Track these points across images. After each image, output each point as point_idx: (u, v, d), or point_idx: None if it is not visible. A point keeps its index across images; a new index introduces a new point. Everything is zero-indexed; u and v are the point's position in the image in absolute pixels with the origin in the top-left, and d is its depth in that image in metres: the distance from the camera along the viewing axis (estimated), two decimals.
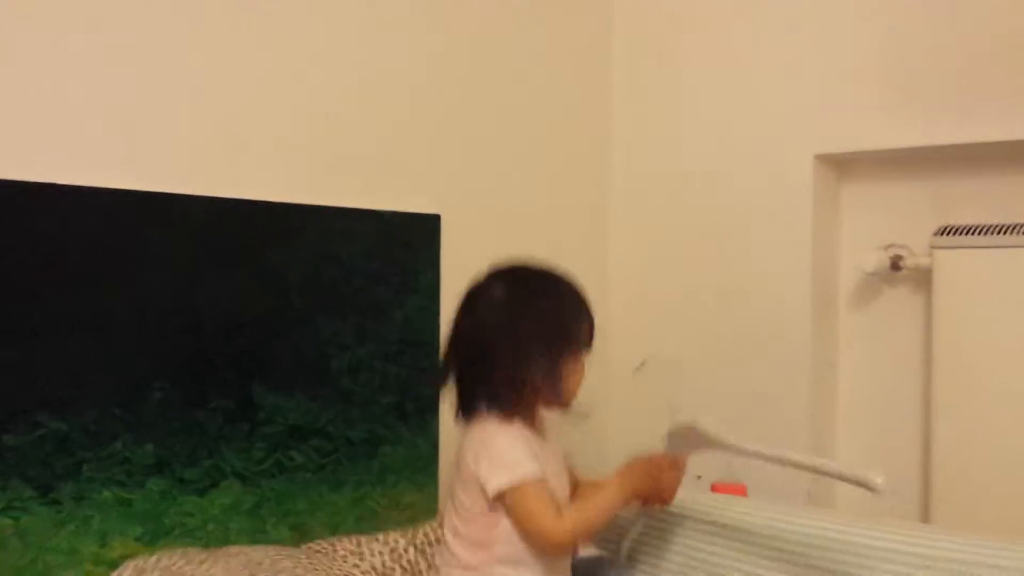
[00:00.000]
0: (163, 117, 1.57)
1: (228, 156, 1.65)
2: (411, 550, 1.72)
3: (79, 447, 1.46)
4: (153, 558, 1.45)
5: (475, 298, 1.57)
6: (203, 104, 1.62)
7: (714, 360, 2.16)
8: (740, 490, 1.91)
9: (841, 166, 2.17)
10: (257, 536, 1.64)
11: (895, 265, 2.05)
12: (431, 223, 1.92)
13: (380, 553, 1.68)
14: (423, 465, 1.90)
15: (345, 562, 1.61)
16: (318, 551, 1.64)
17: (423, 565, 1.71)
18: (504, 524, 1.48)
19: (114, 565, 1.48)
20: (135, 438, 1.51)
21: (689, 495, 1.76)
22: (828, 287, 2.16)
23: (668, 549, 1.74)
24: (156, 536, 1.54)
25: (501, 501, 1.47)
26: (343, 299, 1.78)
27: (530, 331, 1.51)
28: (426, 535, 1.74)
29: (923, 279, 2.04)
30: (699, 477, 2.00)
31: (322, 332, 1.74)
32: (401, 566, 1.69)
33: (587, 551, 1.72)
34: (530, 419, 1.54)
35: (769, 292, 2.13)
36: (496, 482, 1.46)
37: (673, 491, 1.61)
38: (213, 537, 1.60)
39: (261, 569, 1.41)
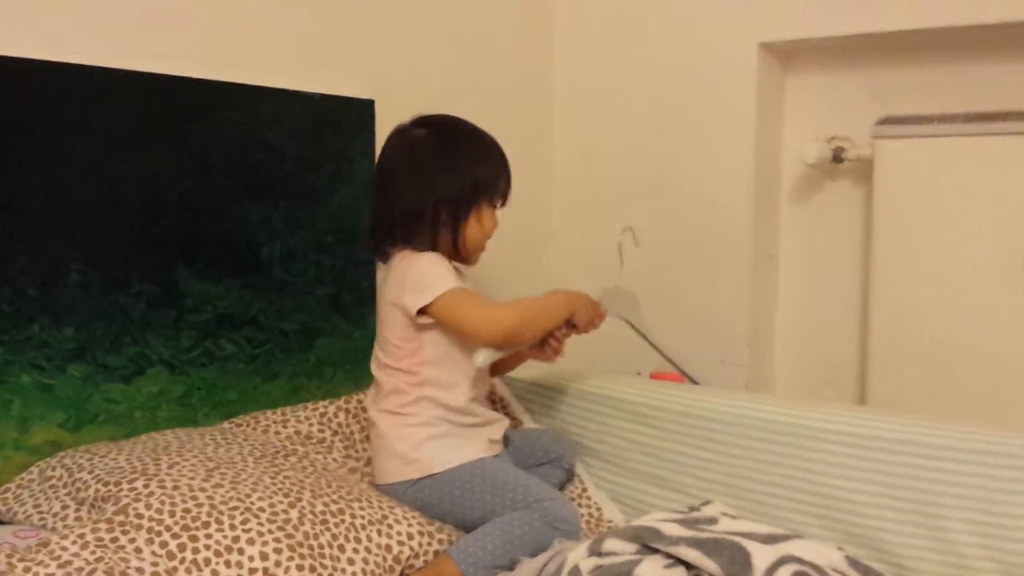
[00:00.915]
0: None
1: (147, 27, 1.56)
2: (341, 415, 1.70)
3: None
4: (55, 458, 1.41)
5: (394, 137, 1.62)
6: None
7: (655, 251, 2.14)
8: (677, 379, 1.91)
9: (785, 56, 2.13)
10: (187, 425, 1.60)
11: (837, 157, 2.04)
12: (365, 109, 1.85)
13: (307, 419, 1.66)
14: (360, 359, 1.85)
15: (266, 432, 1.58)
16: (239, 424, 1.61)
17: (355, 427, 1.69)
18: (428, 349, 1.54)
19: (36, 451, 1.43)
20: (53, 321, 1.45)
21: (627, 381, 1.75)
22: (770, 179, 2.14)
23: (607, 433, 1.74)
24: (80, 423, 1.49)
25: (428, 316, 1.51)
26: (272, 184, 1.71)
27: (440, 169, 1.56)
28: (358, 401, 1.72)
29: (864, 171, 2.03)
30: (638, 373, 2.00)
31: (250, 218, 1.68)
32: (331, 429, 1.67)
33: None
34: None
35: (711, 183, 2.11)
36: (417, 300, 1.50)
37: (592, 324, 1.67)
38: (140, 425, 1.55)
39: (167, 451, 1.37)
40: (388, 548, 1.36)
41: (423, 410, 1.53)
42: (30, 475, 1.40)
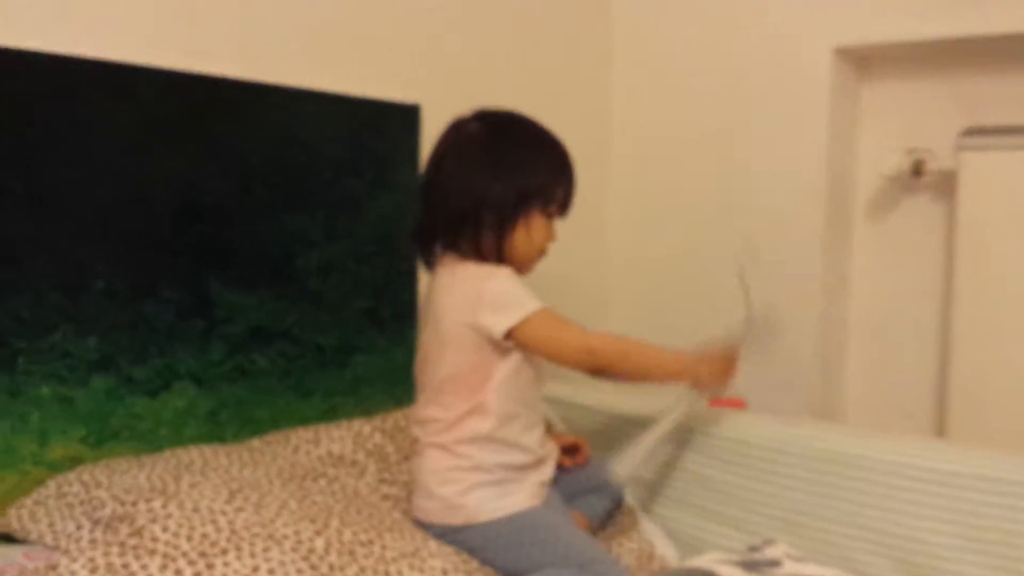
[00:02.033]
0: None
1: (185, 26, 1.49)
2: (377, 435, 1.59)
3: (13, 336, 1.32)
4: (73, 473, 1.33)
5: (448, 130, 1.49)
6: None
7: (718, 273, 2.01)
8: (739, 404, 1.78)
9: (862, 62, 2.00)
10: (215, 443, 1.52)
11: (917, 170, 1.90)
12: (410, 114, 1.76)
13: (341, 439, 1.55)
14: (400, 376, 1.76)
15: (296, 452, 1.49)
16: (269, 442, 1.51)
17: (391, 448, 1.58)
18: (498, 375, 1.40)
19: (55, 467, 1.36)
20: (76, 330, 1.38)
21: (684, 406, 1.63)
22: (843, 194, 2.01)
23: (665, 463, 1.62)
24: (102, 438, 1.41)
25: (511, 341, 1.39)
26: (310, 191, 1.63)
27: (486, 168, 1.42)
28: (395, 421, 1.62)
29: (947, 185, 1.89)
30: None
31: (286, 226, 1.60)
32: (366, 450, 1.56)
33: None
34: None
35: (779, 199, 1.98)
36: (500, 320, 1.37)
37: (727, 383, 1.50)
38: (165, 442, 1.47)
39: (190, 470, 1.28)
40: None
41: (478, 452, 1.39)
42: (47, 490, 1.32)
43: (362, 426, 1.60)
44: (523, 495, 1.41)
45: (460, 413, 1.40)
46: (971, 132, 1.84)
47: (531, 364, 1.43)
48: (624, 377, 1.45)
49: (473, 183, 1.41)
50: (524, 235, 1.44)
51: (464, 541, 1.37)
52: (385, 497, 1.49)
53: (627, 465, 1.48)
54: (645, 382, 1.48)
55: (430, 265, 1.49)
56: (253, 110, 1.55)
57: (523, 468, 1.43)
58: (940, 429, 1.90)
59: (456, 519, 1.38)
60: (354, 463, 1.53)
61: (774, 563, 1.12)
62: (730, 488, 1.53)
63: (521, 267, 1.47)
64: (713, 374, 1.47)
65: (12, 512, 1.30)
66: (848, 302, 2.05)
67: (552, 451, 1.52)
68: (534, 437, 1.46)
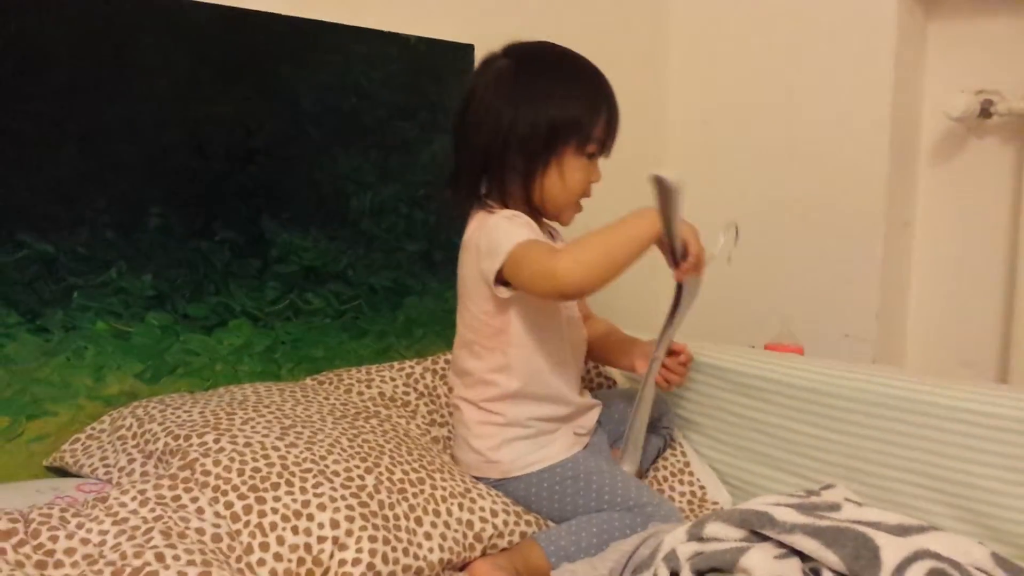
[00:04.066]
0: None
1: None
2: (428, 375, 1.59)
3: (68, 272, 1.33)
4: (128, 408, 1.34)
5: (477, 70, 1.39)
6: None
7: (780, 217, 1.97)
8: (796, 351, 1.75)
9: (929, 0, 1.92)
10: (269, 381, 1.53)
11: (985, 111, 1.83)
12: (464, 53, 1.74)
13: (392, 380, 1.55)
14: (452, 319, 1.74)
15: (349, 392, 1.49)
16: (322, 381, 1.52)
17: (442, 390, 1.58)
18: (515, 324, 1.32)
19: (110, 401, 1.38)
20: (131, 267, 1.39)
21: (739, 351, 1.60)
22: (908, 137, 1.94)
23: (715, 407, 1.59)
24: (158, 374, 1.43)
25: (502, 280, 1.28)
26: (363, 132, 1.61)
27: (512, 104, 1.29)
28: (447, 361, 1.61)
29: (1017, 127, 1.82)
30: (752, 346, 1.83)
31: (340, 167, 1.59)
32: (417, 391, 1.55)
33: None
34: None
35: (842, 143, 1.93)
36: (490, 265, 1.27)
37: (700, 256, 1.26)
38: (221, 379, 1.48)
39: (243, 406, 1.28)
40: (470, 524, 1.25)
41: (509, 408, 1.35)
42: (101, 424, 1.34)
43: (414, 367, 1.60)
44: (558, 446, 1.37)
45: (489, 368, 1.35)
46: None
47: (548, 306, 1.35)
48: (611, 275, 1.21)
49: (499, 120, 1.30)
50: (557, 178, 1.32)
51: (505, 492, 1.35)
52: (435, 440, 1.49)
53: (632, 459, 1.44)
54: (631, 262, 1.22)
55: (462, 216, 1.39)
56: (307, 49, 1.54)
57: (558, 420, 1.39)
58: (1003, 377, 1.85)
59: (493, 473, 1.36)
60: (405, 404, 1.53)
61: (834, 507, 1.09)
62: (787, 433, 1.50)
63: (559, 215, 1.37)
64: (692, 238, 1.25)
65: (66, 447, 1.32)
66: (911, 249, 1.99)
67: (595, 404, 1.47)
68: (566, 387, 1.40)
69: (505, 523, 1.28)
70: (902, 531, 1.00)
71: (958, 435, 1.33)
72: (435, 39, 1.69)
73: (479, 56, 1.73)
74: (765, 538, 1.05)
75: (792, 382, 1.50)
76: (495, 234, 1.28)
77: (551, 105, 1.30)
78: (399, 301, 1.69)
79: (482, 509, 1.27)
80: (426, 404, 1.54)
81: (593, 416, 1.46)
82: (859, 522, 1.03)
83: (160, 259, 1.41)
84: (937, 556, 0.96)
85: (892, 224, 1.92)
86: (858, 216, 1.91)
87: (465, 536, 1.23)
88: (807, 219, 1.96)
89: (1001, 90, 1.83)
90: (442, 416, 1.54)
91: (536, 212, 1.35)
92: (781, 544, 1.04)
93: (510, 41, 1.37)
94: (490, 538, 1.26)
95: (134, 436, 1.26)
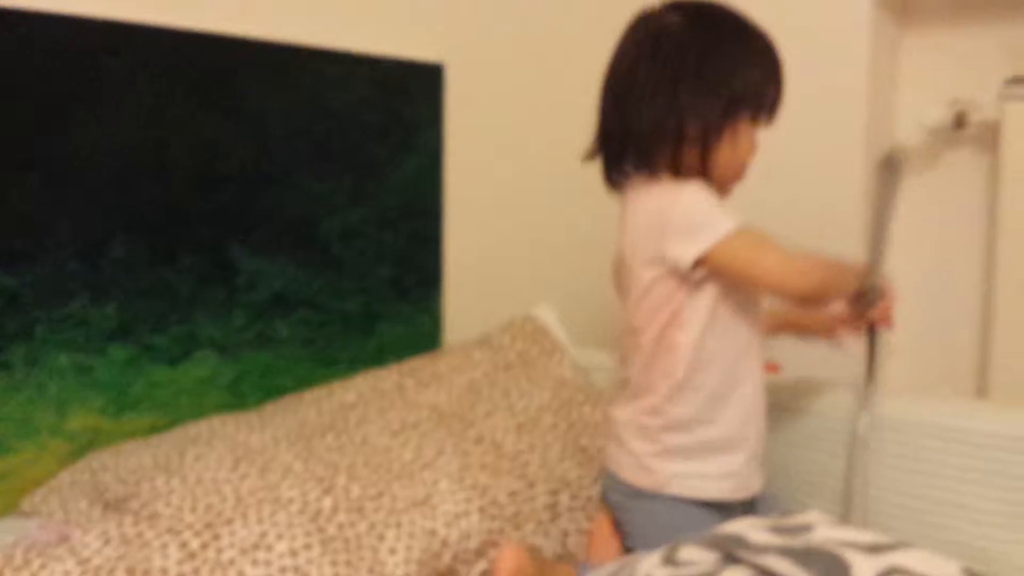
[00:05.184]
0: None
1: None
2: (394, 376, 1.56)
3: (30, 305, 1.30)
4: (84, 461, 1.31)
5: (637, 25, 1.29)
6: None
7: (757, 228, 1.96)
8: (773, 368, 1.72)
9: (903, 10, 1.92)
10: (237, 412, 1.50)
11: (959, 121, 1.82)
12: (434, 74, 1.72)
13: (355, 387, 1.52)
14: (425, 344, 1.74)
15: (309, 408, 1.45)
16: (282, 404, 1.49)
17: (409, 384, 1.53)
18: (697, 313, 1.22)
19: (74, 437, 1.34)
20: (94, 298, 1.36)
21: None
22: (883, 147, 1.93)
23: None
24: (121, 408, 1.39)
25: (703, 268, 1.20)
26: (333, 155, 1.59)
27: (692, 70, 1.22)
28: (412, 366, 1.58)
29: (990, 136, 1.81)
30: None
31: (310, 191, 1.57)
32: (378, 391, 1.51)
33: None
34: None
35: (819, 153, 1.91)
36: (689, 248, 1.18)
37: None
38: (186, 412, 1.45)
39: (196, 443, 1.26)
40: (433, 532, 1.22)
41: (679, 436, 1.26)
42: (58, 481, 1.30)
43: (378, 373, 1.57)
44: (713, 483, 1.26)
45: (658, 371, 1.25)
46: (1016, 81, 1.76)
47: (744, 297, 1.26)
48: (827, 301, 1.29)
49: (677, 91, 1.22)
50: (730, 148, 1.25)
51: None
52: (395, 434, 1.41)
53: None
54: (834, 301, 1.31)
55: (616, 185, 1.30)
56: (275, 72, 1.52)
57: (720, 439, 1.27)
58: (981, 389, 1.83)
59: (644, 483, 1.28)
60: (367, 404, 1.49)
61: (807, 527, 1.07)
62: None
63: (723, 186, 1.28)
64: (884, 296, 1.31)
65: (26, 500, 1.28)
66: (888, 260, 1.97)
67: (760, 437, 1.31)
68: (752, 393, 1.28)
69: (469, 524, 1.26)
70: (874, 549, 0.98)
71: (933, 451, 1.33)
72: (405, 60, 1.68)
73: (450, 76, 1.73)
74: (739, 560, 1.04)
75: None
76: (697, 214, 1.20)
77: (733, 76, 1.23)
78: (370, 327, 1.67)
79: (445, 514, 1.25)
80: (390, 400, 1.51)
81: (758, 448, 1.31)
82: (832, 541, 1.01)
83: (123, 289, 1.39)
84: (908, 572, 0.94)
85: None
86: (834, 228, 1.89)
87: (432, 544, 1.21)
88: (783, 231, 1.93)
89: (975, 100, 1.82)
90: (406, 409, 1.50)
91: (709, 182, 1.26)
92: (755, 566, 1.02)
93: None
94: (458, 541, 1.24)
95: (93, 487, 1.24)
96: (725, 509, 1.26)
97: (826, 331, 1.41)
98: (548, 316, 1.75)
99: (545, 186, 1.95)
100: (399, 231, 1.69)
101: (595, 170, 1.41)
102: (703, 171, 1.24)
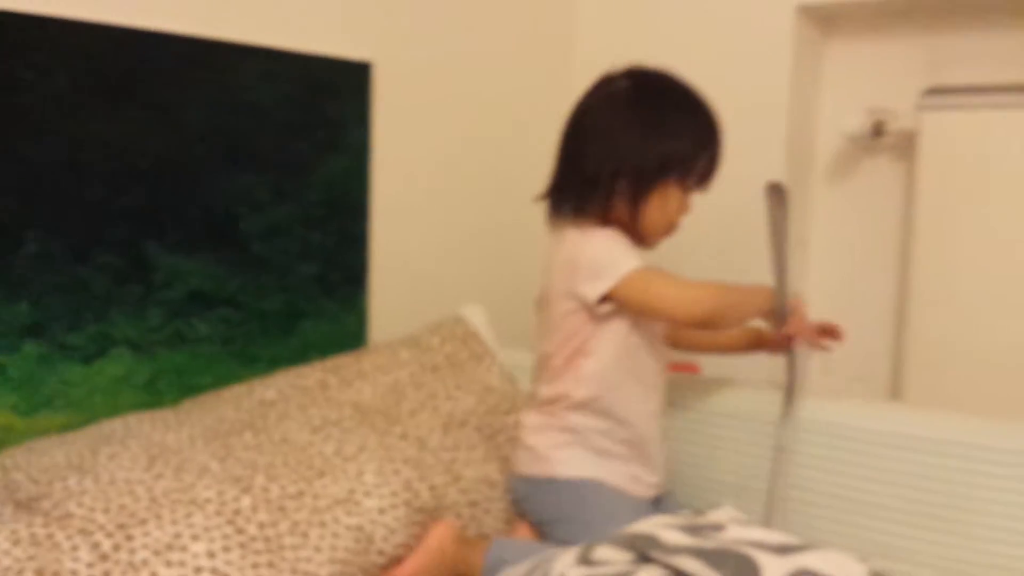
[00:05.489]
0: None
1: None
2: (317, 373, 1.53)
3: None
4: None
5: (596, 85, 1.43)
6: None
7: (680, 235, 1.97)
8: (693, 369, 1.75)
9: (826, 20, 1.95)
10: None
11: (877, 130, 1.86)
12: (361, 72, 1.71)
13: (275, 384, 1.49)
14: (351, 343, 1.72)
15: (228, 405, 1.43)
16: (200, 401, 1.46)
17: (333, 381, 1.53)
18: (603, 344, 1.36)
19: None
20: (6, 294, 1.32)
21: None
22: (804, 155, 1.97)
23: None
24: (33, 407, 1.36)
25: (609, 304, 1.34)
26: (255, 153, 1.57)
27: (629, 131, 1.35)
28: (337, 363, 1.56)
29: (907, 145, 1.85)
30: None
31: (229, 187, 1.55)
32: (301, 388, 1.50)
33: None
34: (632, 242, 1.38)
35: (739, 159, 1.92)
36: (596, 287, 1.32)
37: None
38: (101, 411, 1.42)
39: (110, 441, 1.23)
40: (359, 528, 1.22)
41: (575, 416, 1.39)
42: None
43: (301, 370, 1.55)
44: (612, 473, 1.39)
45: (563, 386, 1.39)
46: (933, 92, 1.80)
47: (641, 334, 1.39)
48: (726, 325, 1.42)
49: (613, 145, 1.35)
50: (658, 206, 1.38)
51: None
52: (316, 430, 1.40)
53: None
54: (740, 324, 1.47)
55: (554, 225, 1.43)
56: (195, 68, 1.49)
57: (620, 442, 1.40)
58: (895, 393, 1.87)
59: (541, 470, 1.40)
60: (287, 400, 1.47)
61: (718, 527, 1.09)
62: (676, 454, 1.50)
63: (648, 239, 1.41)
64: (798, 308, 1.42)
65: None
66: (806, 266, 2.01)
67: (663, 480, 1.46)
68: (634, 411, 1.40)
69: (396, 519, 1.26)
70: (784, 550, 1.00)
71: (847, 452, 1.35)
72: (332, 57, 1.66)
73: (378, 74, 1.71)
74: (652, 560, 1.05)
75: (684, 404, 1.50)
76: (603, 257, 1.33)
77: (667, 139, 1.36)
78: (293, 326, 1.65)
79: (369, 510, 1.25)
80: (312, 397, 1.49)
81: (659, 484, 1.45)
82: (742, 542, 1.03)
83: (37, 286, 1.35)
84: (815, 574, 0.96)
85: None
86: (753, 233, 1.92)
87: (357, 541, 1.20)
88: (707, 238, 1.96)
89: (894, 109, 1.87)
90: (328, 405, 1.48)
91: (631, 236, 1.39)
92: (668, 566, 1.03)
93: (632, 64, 1.42)
94: (383, 539, 1.23)
95: (3, 487, 1.19)
96: (623, 495, 1.38)
97: (781, 347, 1.50)
98: (478, 317, 1.74)
99: (472, 186, 1.95)
100: (325, 229, 1.67)
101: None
102: (631, 224, 1.37)
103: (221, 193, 1.54)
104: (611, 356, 1.37)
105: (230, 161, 1.54)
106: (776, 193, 1.43)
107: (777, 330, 1.42)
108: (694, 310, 1.33)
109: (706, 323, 1.37)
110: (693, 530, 1.08)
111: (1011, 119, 1.73)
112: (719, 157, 1.41)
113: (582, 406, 1.38)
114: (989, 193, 1.75)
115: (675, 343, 1.53)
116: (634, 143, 1.34)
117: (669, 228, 1.42)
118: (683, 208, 1.41)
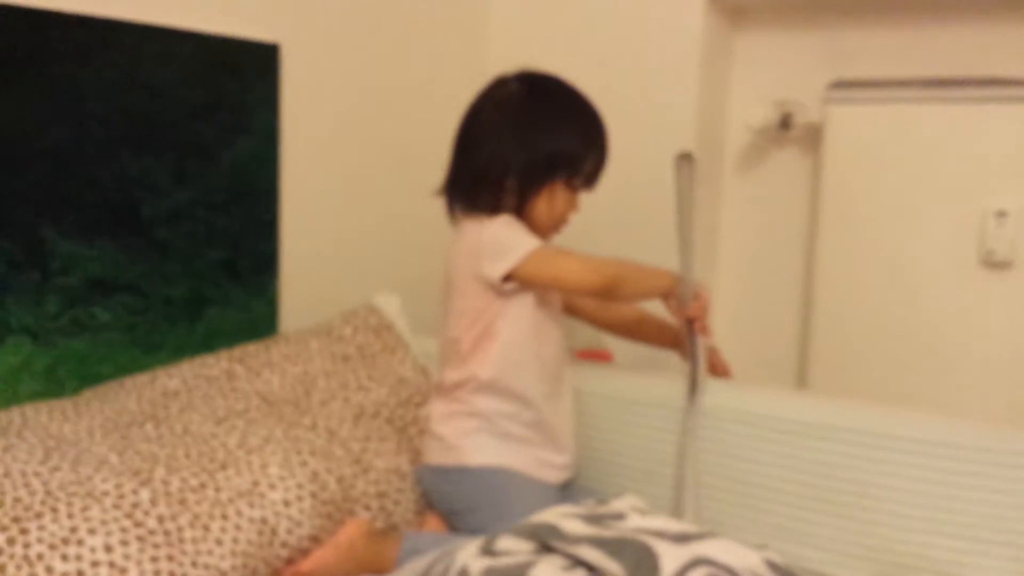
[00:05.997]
0: None
1: None
2: (223, 362, 1.51)
3: None
4: None
5: (489, 87, 1.48)
6: None
7: (588, 225, 1.98)
8: (605, 356, 1.76)
9: (735, 13, 1.98)
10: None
11: (784, 122, 1.90)
12: (268, 53, 1.68)
13: (179, 374, 1.46)
14: (261, 329, 1.69)
15: (129, 396, 1.40)
16: (101, 391, 1.42)
17: (240, 370, 1.50)
18: (506, 321, 1.39)
19: None
20: None
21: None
22: (713, 147, 1.99)
23: None
24: None
25: (512, 282, 1.38)
26: (157, 135, 1.53)
27: (516, 131, 1.41)
28: (244, 352, 1.54)
29: (813, 138, 1.89)
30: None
31: (129, 171, 1.50)
32: (207, 378, 1.47)
33: None
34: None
35: (649, 151, 1.95)
36: (498, 266, 1.36)
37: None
38: (0, 400, 1.38)
39: (5, 433, 1.19)
40: (263, 520, 1.20)
41: (478, 398, 1.41)
42: None
43: (205, 359, 1.52)
44: (521, 458, 1.41)
45: (469, 367, 1.41)
46: (838, 85, 1.84)
47: (545, 314, 1.42)
48: (626, 296, 1.46)
49: (503, 144, 1.40)
50: (546, 204, 1.42)
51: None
52: (220, 421, 1.38)
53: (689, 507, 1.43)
54: (640, 299, 1.51)
55: (454, 219, 1.47)
56: (92, 47, 1.44)
57: (530, 426, 1.42)
58: (801, 380, 1.92)
59: (450, 459, 1.41)
60: (191, 391, 1.45)
61: (619, 516, 1.10)
62: (586, 440, 1.51)
63: (539, 235, 1.44)
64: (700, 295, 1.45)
65: None
66: (715, 254, 2.04)
67: (573, 463, 1.48)
68: (539, 392, 1.43)
69: (300, 511, 1.25)
70: (682, 539, 1.02)
71: (747, 438, 1.37)
72: (237, 38, 1.63)
73: (286, 56, 1.68)
74: (554, 550, 1.05)
75: (594, 391, 1.51)
76: (503, 237, 1.38)
77: (553, 140, 1.41)
78: (198, 312, 1.62)
79: (273, 502, 1.23)
80: (218, 386, 1.47)
81: (570, 470, 1.47)
82: (642, 531, 1.04)
83: None
84: (713, 563, 0.98)
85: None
86: (664, 222, 1.94)
87: (261, 534, 1.19)
88: (615, 227, 1.98)
89: (800, 102, 1.90)
90: (236, 397, 1.46)
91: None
92: (568, 555, 1.04)
93: (524, 68, 1.48)
94: (288, 531, 1.22)
95: None
96: (532, 481, 1.41)
97: (671, 342, 1.57)
98: (391, 306, 1.73)
99: (385, 170, 1.93)
100: (232, 214, 1.64)
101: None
102: (519, 220, 1.42)
103: (122, 177, 1.49)
104: (516, 336, 1.40)
105: (130, 144, 1.50)
106: (686, 163, 1.46)
107: (679, 313, 1.45)
108: (595, 278, 1.37)
109: (607, 291, 1.41)
110: (594, 519, 1.09)
111: (912, 112, 1.78)
112: (605, 158, 1.46)
113: (487, 387, 1.40)
114: (891, 184, 1.80)
115: (572, 310, 1.58)
116: (523, 143, 1.39)
117: (556, 225, 1.46)
118: (571, 207, 1.46)
